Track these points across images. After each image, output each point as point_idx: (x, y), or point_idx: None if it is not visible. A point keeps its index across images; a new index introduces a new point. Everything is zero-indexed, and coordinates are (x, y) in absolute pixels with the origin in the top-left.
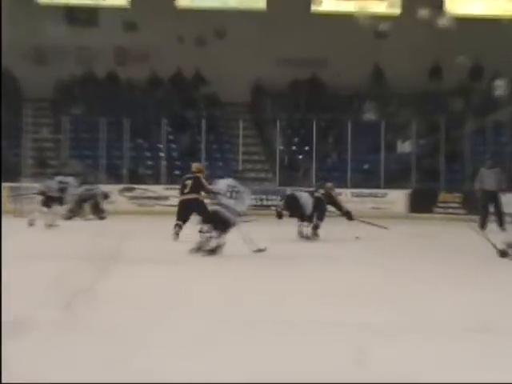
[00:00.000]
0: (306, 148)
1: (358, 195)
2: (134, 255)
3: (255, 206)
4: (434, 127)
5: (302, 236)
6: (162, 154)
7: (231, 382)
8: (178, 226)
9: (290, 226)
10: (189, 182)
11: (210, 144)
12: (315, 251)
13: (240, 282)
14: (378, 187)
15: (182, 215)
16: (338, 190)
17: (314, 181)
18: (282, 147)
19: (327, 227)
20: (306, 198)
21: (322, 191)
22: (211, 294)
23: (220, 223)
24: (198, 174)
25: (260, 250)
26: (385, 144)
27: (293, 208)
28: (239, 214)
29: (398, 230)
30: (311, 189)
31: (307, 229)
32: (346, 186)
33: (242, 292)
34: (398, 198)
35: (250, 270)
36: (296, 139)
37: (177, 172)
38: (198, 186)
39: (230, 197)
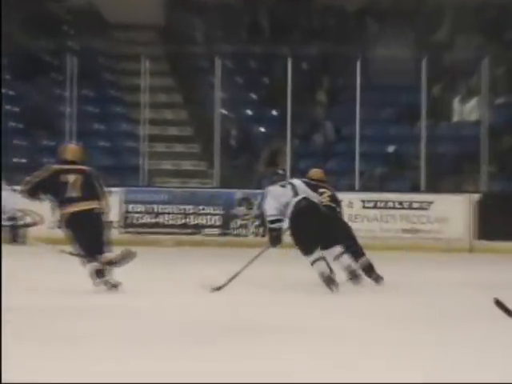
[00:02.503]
0: (274, 112)
1: (375, 205)
2: None
3: (168, 225)
4: None
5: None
6: None
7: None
8: None
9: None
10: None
11: (84, 103)
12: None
13: None
14: (415, 190)
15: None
16: (337, 195)
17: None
18: (225, 111)
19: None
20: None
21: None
22: None
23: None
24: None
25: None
26: (428, 106)
27: (309, 225)
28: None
29: (453, 280)
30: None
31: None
32: (351, 188)
33: None
34: (453, 211)
35: None
36: (253, 95)
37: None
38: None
39: None
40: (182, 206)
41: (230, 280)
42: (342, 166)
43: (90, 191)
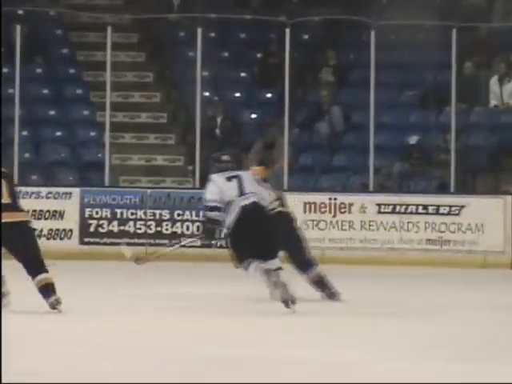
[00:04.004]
0: (269, 95)
1: (393, 210)
2: None
3: (138, 234)
4: None
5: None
6: None
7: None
8: None
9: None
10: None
11: (33, 83)
12: None
13: None
14: (443, 191)
15: None
16: (347, 198)
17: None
18: (207, 93)
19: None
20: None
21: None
22: None
23: None
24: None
25: None
26: (458, 87)
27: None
28: None
29: (490, 303)
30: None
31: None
32: (364, 189)
33: None
34: (490, 217)
35: None
36: (243, 74)
37: None
38: None
39: None
40: (154, 211)
41: (155, 257)
42: (352, 162)
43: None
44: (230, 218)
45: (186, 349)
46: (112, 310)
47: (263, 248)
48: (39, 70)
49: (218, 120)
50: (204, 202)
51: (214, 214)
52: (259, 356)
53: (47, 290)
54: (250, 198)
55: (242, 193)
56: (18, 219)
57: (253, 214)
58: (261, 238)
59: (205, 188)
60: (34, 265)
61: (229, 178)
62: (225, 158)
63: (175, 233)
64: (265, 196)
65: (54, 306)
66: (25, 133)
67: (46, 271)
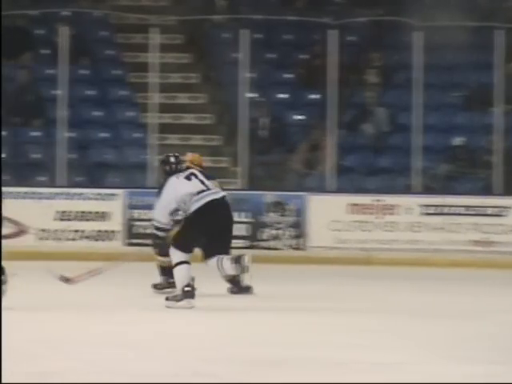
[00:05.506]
0: (313, 96)
1: (437, 211)
2: None
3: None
4: None
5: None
6: None
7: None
8: None
9: None
10: None
11: (79, 85)
12: None
13: None
14: (489, 192)
15: None
16: (392, 199)
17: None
18: (253, 94)
19: None
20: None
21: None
22: None
23: None
24: None
25: None
26: (504, 87)
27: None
28: None
29: None
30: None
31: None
32: (409, 191)
33: None
34: None
35: None
36: (288, 75)
37: None
38: None
39: None
40: None
41: (87, 275)
42: (397, 163)
43: None
44: (192, 207)
45: (227, 349)
46: (152, 311)
47: (218, 243)
48: (85, 72)
49: (264, 121)
50: (155, 222)
51: (160, 234)
52: (301, 357)
53: None
54: (219, 192)
55: (207, 187)
56: None
57: (220, 209)
58: (223, 233)
59: (160, 196)
60: None
61: (187, 177)
62: (173, 159)
63: None
64: (220, 190)
65: None
66: (71, 134)
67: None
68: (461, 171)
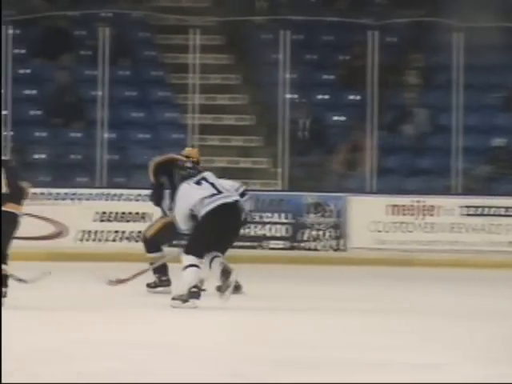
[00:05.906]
0: (354, 97)
1: (478, 212)
2: None
3: None
4: None
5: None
6: None
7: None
8: None
9: None
10: None
11: (119, 85)
12: None
13: None
14: None
15: None
16: (432, 200)
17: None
18: (293, 95)
19: None
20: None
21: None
22: None
23: None
24: None
25: None
26: None
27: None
28: None
29: None
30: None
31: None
32: (449, 191)
33: None
34: None
35: None
36: (328, 76)
37: None
38: None
39: None
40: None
41: (135, 276)
42: (437, 164)
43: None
44: (202, 210)
45: (255, 349)
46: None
47: (224, 246)
48: (125, 73)
49: (304, 122)
50: (179, 229)
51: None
52: (334, 358)
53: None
54: (231, 196)
55: (218, 191)
56: (4, 208)
57: (229, 213)
58: (229, 237)
59: (175, 201)
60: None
61: (198, 182)
62: (188, 164)
63: (264, 235)
64: (234, 192)
65: None
66: (111, 135)
67: (5, 263)
68: (501, 172)
